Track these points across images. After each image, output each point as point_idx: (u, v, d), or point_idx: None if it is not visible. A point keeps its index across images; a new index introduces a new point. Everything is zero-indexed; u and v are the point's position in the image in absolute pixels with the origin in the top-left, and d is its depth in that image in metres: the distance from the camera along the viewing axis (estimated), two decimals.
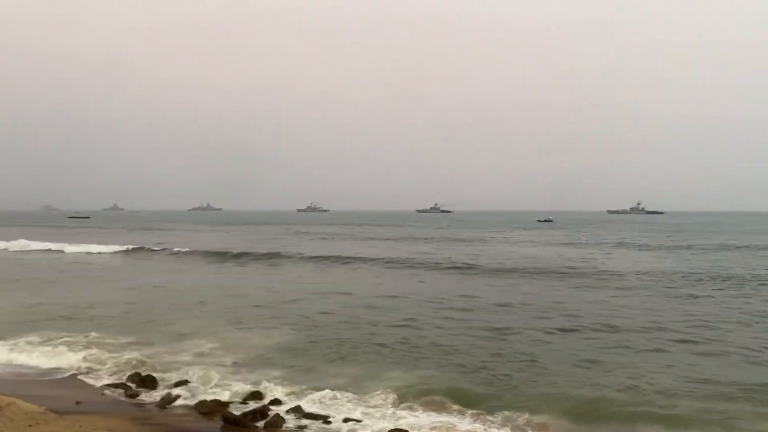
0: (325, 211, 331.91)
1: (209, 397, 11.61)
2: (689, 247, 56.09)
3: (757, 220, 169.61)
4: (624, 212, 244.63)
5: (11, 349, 15.49)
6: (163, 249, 52.72)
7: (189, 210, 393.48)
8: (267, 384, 12.60)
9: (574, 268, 36.65)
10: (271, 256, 46.59)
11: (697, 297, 24.88)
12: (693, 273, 33.63)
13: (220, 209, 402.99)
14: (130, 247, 54.08)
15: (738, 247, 54.61)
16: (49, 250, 54.72)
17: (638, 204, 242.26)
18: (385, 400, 11.56)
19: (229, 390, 12.22)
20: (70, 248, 54.46)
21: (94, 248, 53.68)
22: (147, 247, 54.89)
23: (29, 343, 16.17)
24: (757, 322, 19.40)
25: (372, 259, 42.92)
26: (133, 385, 12.56)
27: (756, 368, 13.91)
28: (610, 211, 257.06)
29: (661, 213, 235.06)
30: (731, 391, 12.02)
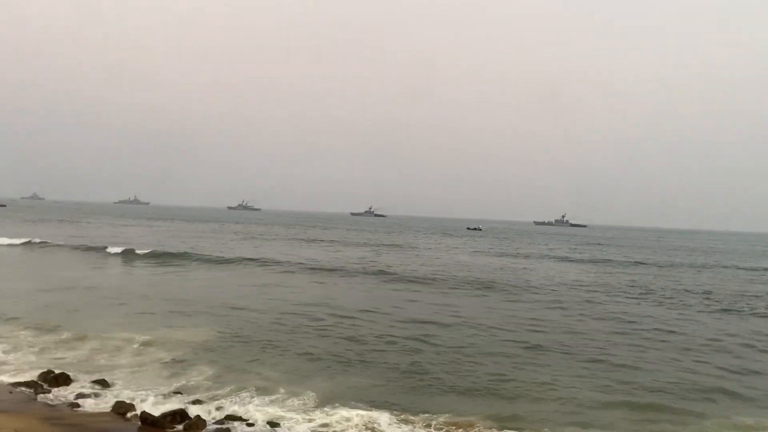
0: (257, 209, 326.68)
1: (126, 397, 11.32)
2: (607, 261, 58.58)
3: (671, 235, 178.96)
4: (549, 224, 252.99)
5: None
6: (90, 247, 48.31)
7: (115, 203, 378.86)
8: (188, 383, 12.40)
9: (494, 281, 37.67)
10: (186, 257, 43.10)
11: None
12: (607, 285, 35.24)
13: (148, 203, 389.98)
14: (37, 240, 50.71)
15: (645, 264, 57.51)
16: None
17: (563, 216, 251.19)
18: (306, 403, 11.61)
19: (148, 390, 11.95)
20: None
21: None
22: (52, 242, 50.69)
23: None
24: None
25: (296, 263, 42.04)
26: (44, 384, 12.07)
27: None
28: (536, 222, 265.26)
29: (584, 226, 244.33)
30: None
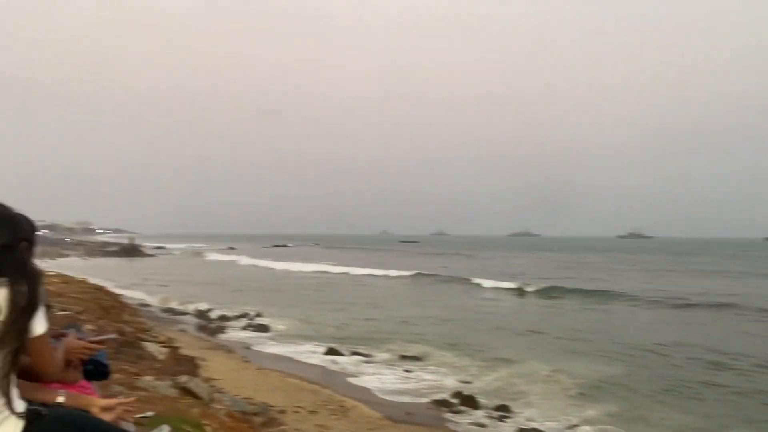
0: (648, 237, 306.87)
1: (529, 426, 11.50)
2: None
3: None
4: None
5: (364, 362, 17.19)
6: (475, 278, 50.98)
7: (508, 235, 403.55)
8: (592, 417, 11.95)
9: None
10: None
11: None
12: None
13: (538, 235, 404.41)
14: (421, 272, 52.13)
15: None
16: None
17: None
18: None
19: (553, 420, 11.94)
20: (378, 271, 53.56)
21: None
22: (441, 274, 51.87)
23: (388, 358, 17.79)
24: None
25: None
26: (454, 403, 13.11)
27: None
28: None
29: None
30: None
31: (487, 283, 43.00)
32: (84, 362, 2.48)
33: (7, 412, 1.91)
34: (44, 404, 2.05)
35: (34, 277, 1.93)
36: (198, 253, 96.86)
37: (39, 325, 1.96)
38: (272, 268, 61.14)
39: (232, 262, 73.35)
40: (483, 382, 15.12)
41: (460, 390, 13.91)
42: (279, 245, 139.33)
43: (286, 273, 56.12)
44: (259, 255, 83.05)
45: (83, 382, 2.45)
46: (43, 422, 1.98)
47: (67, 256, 78.42)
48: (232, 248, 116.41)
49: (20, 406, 1.97)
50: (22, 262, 1.93)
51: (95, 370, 2.56)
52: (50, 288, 13.48)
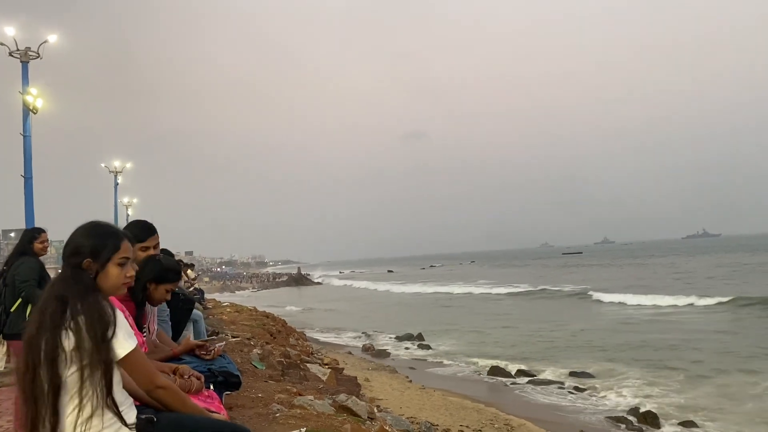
0: None
1: None
2: None
3: None
4: None
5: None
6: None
7: (683, 238, 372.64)
8: None
9: None
10: None
11: None
12: None
13: (718, 235, 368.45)
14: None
15: None
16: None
17: None
18: None
19: None
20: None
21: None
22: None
23: (558, 374, 16.99)
24: None
25: None
26: (633, 420, 12.10)
27: None
28: None
29: None
30: None
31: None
32: (214, 374, 2.53)
33: (118, 425, 2.17)
34: (157, 410, 2.19)
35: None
36: (352, 277, 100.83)
37: (120, 348, 2.19)
38: (427, 292, 60.36)
39: (388, 288, 71.55)
40: (668, 400, 13.85)
41: (638, 406, 12.86)
42: (433, 266, 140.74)
43: (447, 295, 55.16)
44: (420, 278, 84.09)
45: (211, 393, 2.50)
46: (155, 428, 2.20)
47: (244, 288, 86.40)
48: (390, 271, 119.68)
49: (132, 416, 2.23)
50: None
51: (226, 381, 2.61)
52: (224, 317, 14.61)
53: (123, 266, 2.33)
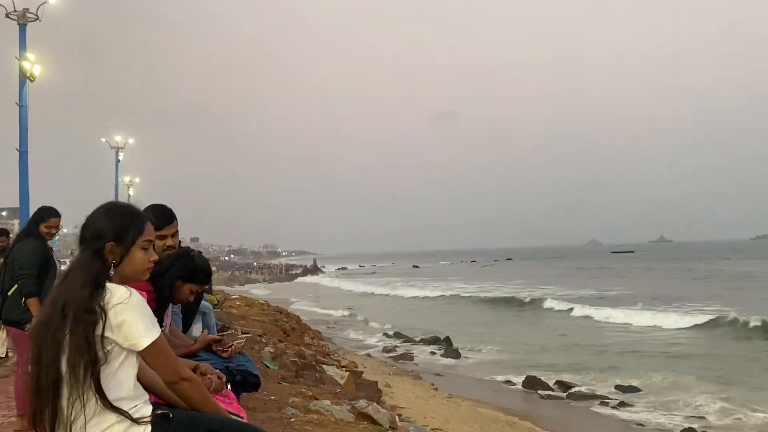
0: None
1: None
2: None
3: None
4: None
5: None
6: None
7: (752, 238, 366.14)
8: None
9: None
10: None
11: None
12: None
13: None
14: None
15: None
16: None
17: None
18: None
19: None
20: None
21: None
22: None
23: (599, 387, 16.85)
24: None
25: None
26: None
27: None
28: None
29: None
30: None
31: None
32: (232, 373, 2.61)
33: (126, 423, 2.21)
34: (172, 406, 2.28)
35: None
36: (374, 272, 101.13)
37: (143, 338, 2.22)
38: (456, 291, 59.66)
39: (413, 285, 70.44)
40: (727, 421, 13.68)
41: (690, 426, 12.76)
42: (463, 261, 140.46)
43: (477, 297, 54.45)
44: (449, 275, 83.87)
45: (228, 393, 2.59)
46: (170, 424, 2.25)
47: (254, 281, 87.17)
48: (416, 266, 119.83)
49: (146, 411, 2.27)
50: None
51: (244, 381, 2.69)
52: (233, 311, 14.83)
53: (147, 250, 2.35)
